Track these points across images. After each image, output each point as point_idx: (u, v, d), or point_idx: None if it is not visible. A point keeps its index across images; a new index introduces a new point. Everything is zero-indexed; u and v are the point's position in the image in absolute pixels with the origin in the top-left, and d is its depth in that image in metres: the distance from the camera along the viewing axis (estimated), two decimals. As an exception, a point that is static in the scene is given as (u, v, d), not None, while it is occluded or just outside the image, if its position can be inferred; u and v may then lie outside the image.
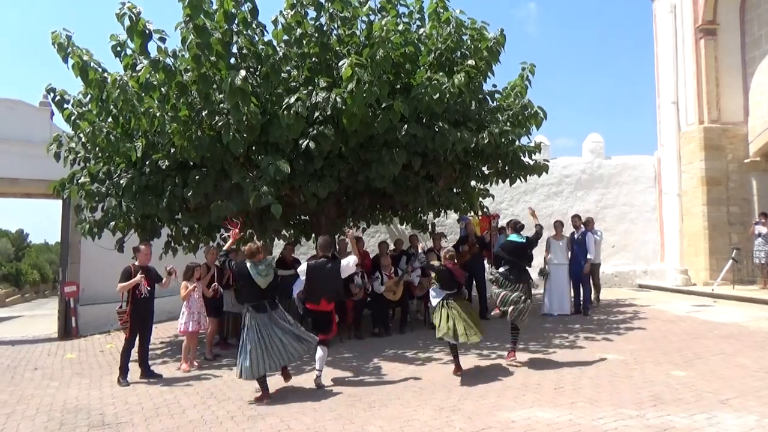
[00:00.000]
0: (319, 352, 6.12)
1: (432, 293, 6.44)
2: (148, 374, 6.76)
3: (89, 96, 7.74)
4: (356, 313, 9.07)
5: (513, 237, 6.94)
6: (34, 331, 12.10)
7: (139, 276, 6.54)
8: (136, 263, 6.76)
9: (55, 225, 11.33)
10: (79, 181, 8.36)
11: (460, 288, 6.44)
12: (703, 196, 13.34)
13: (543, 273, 10.43)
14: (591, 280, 10.76)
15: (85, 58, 7.11)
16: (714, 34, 13.60)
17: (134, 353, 6.73)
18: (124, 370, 6.59)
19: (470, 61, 7.97)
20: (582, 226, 10.68)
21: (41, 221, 70.71)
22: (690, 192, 13.78)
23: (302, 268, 6.39)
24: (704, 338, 7.74)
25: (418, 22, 9.03)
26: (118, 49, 7.04)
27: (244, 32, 7.51)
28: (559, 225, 10.67)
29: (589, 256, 10.36)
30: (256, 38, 7.74)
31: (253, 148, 7.68)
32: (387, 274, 9.25)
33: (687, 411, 4.73)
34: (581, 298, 10.44)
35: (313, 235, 10.25)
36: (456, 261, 6.58)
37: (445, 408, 5.07)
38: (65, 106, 7.89)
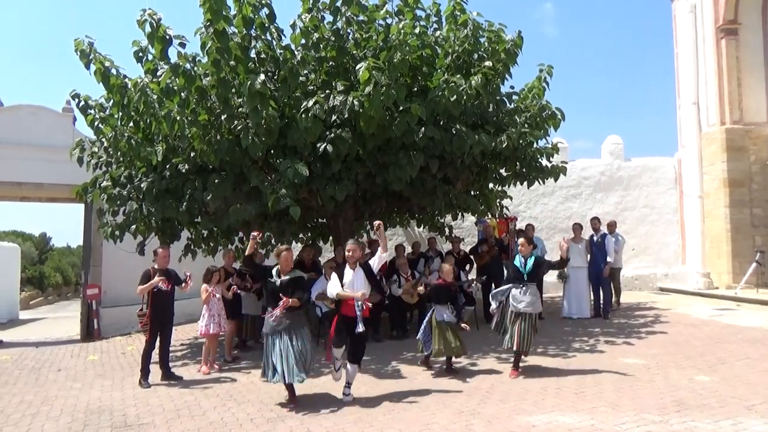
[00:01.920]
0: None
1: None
2: (168, 376, 6.83)
3: (111, 101, 7.86)
4: (374, 316, 9.06)
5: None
6: (57, 332, 12.30)
7: (157, 278, 6.61)
8: (156, 266, 6.84)
9: (78, 228, 11.53)
10: (102, 185, 8.49)
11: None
12: (726, 198, 13.12)
13: (562, 276, 10.34)
14: (611, 284, 10.63)
15: (107, 64, 7.24)
16: (735, 34, 13.38)
17: (155, 355, 6.80)
18: (145, 371, 6.66)
19: (487, 63, 7.94)
20: (601, 228, 10.57)
21: (64, 225, 71.94)
22: (712, 194, 13.56)
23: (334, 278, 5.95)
24: (728, 342, 7.60)
25: (435, 25, 9.03)
26: (140, 54, 7.14)
27: (262, 37, 7.57)
28: (577, 227, 10.57)
29: (608, 259, 10.24)
30: (274, 42, 7.81)
31: (272, 151, 7.74)
32: (404, 276, 9.24)
33: (712, 417, 4.64)
34: (601, 302, 10.32)
35: (331, 238, 10.29)
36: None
37: (465, 412, 5.04)
38: (89, 111, 8.02)
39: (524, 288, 6.31)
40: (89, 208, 10.85)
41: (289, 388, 5.52)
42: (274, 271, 5.68)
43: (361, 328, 5.45)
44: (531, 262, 6.42)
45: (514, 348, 6.24)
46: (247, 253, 5.85)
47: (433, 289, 6.79)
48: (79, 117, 8.76)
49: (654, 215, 15.04)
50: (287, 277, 5.59)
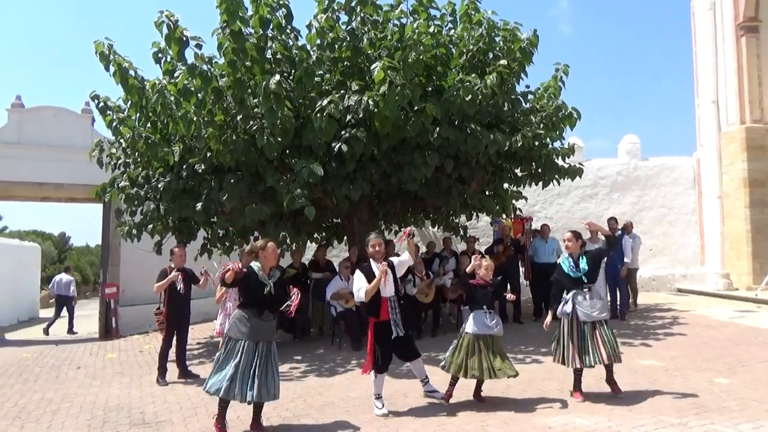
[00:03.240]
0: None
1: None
2: (185, 374, 6.90)
3: (129, 102, 7.96)
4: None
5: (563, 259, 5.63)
6: (76, 331, 12.49)
7: (174, 273, 6.69)
8: (172, 265, 6.91)
9: (96, 228, 11.68)
10: (120, 185, 8.60)
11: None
12: (746, 198, 12.91)
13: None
14: (628, 285, 10.52)
15: (125, 65, 7.33)
16: (756, 31, 13.16)
17: (172, 353, 6.87)
18: (162, 370, 6.74)
19: (502, 62, 7.90)
20: (619, 229, 10.46)
21: (83, 224, 73.07)
22: (731, 194, 13.36)
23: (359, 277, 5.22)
24: (748, 345, 7.48)
25: (449, 24, 9.01)
26: (159, 55, 7.23)
27: (279, 37, 7.62)
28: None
29: (625, 260, 10.14)
30: (290, 43, 7.85)
31: (287, 151, 7.78)
32: (419, 276, 9.23)
33: (731, 420, 4.57)
34: (618, 303, 10.22)
35: (345, 238, 10.32)
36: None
37: (481, 413, 5.02)
38: (107, 112, 8.14)
39: (587, 292, 5.27)
40: (108, 208, 11.01)
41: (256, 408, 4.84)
42: (257, 269, 4.84)
43: (399, 331, 5.02)
44: (584, 260, 5.37)
45: (606, 362, 5.14)
46: (228, 281, 4.70)
47: (469, 289, 5.41)
48: (98, 118, 8.89)
49: (672, 215, 14.85)
50: (273, 280, 4.87)
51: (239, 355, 4.65)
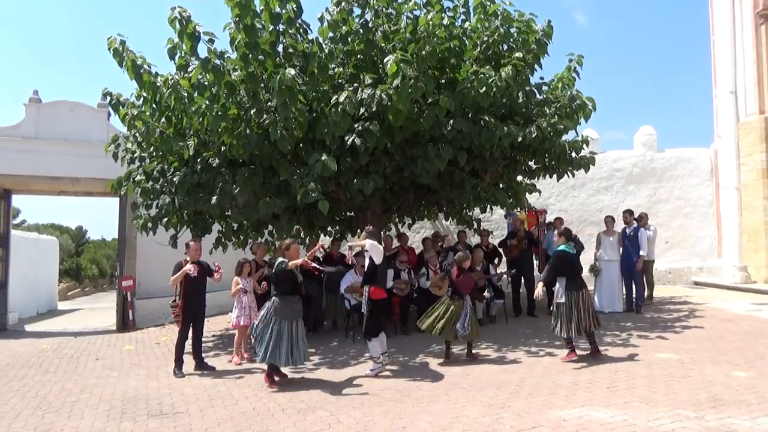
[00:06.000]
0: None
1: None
2: (201, 366, 6.97)
3: (142, 98, 8.00)
4: (402, 309, 9.10)
5: (565, 247, 6.82)
6: (93, 323, 12.68)
7: (189, 265, 6.76)
8: (188, 258, 6.97)
9: (113, 221, 11.80)
10: (135, 179, 8.68)
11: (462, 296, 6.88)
12: (764, 190, 12.69)
13: (593, 270, 10.19)
14: (644, 277, 10.43)
15: (139, 62, 7.37)
16: (776, 19, 12.90)
17: (188, 345, 6.95)
18: (179, 361, 6.81)
19: (518, 54, 7.83)
20: (634, 221, 10.36)
21: (99, 218, 73.83)
22: (750, 185, 13.15)
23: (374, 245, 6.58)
24: (766, 338, 7.39)
25: (462, 16, 8.94)
26: (175, 51, 7.26)
27: (290, 31, 7.61)
28: (610, 220, 10.39)
29: (641, 253, 10.04)
30: (300, 37, 7.84)
31: (300, 145, 7.79)
32: (433, 269, 9.23)
33: (749, 413, 4.53)
34: (633, 296, 10.14)
35: (359, 231, 10.33)
36: (464, 269, 7.02)
37: (495, 405, 5.02)
38: (121, 108, 8.19)
39: None
40: (124, 202, 11.11)
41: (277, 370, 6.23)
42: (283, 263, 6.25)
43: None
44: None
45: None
46: (302, 263, 6.26)
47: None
48: (114, 113, 8.97)
49: (688, 208, 14.67)
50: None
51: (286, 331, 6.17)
